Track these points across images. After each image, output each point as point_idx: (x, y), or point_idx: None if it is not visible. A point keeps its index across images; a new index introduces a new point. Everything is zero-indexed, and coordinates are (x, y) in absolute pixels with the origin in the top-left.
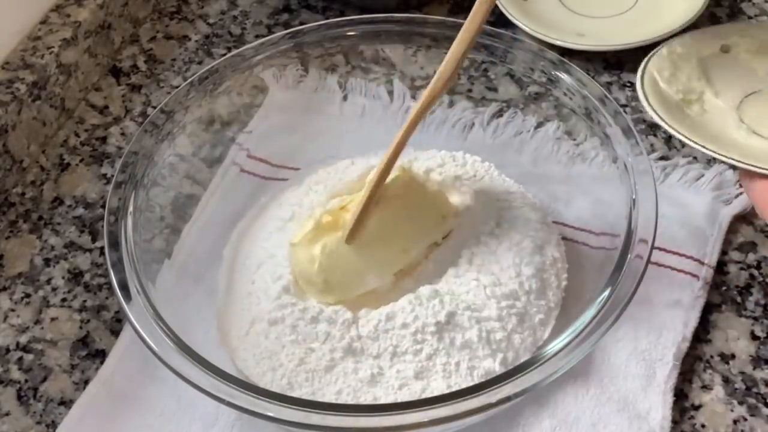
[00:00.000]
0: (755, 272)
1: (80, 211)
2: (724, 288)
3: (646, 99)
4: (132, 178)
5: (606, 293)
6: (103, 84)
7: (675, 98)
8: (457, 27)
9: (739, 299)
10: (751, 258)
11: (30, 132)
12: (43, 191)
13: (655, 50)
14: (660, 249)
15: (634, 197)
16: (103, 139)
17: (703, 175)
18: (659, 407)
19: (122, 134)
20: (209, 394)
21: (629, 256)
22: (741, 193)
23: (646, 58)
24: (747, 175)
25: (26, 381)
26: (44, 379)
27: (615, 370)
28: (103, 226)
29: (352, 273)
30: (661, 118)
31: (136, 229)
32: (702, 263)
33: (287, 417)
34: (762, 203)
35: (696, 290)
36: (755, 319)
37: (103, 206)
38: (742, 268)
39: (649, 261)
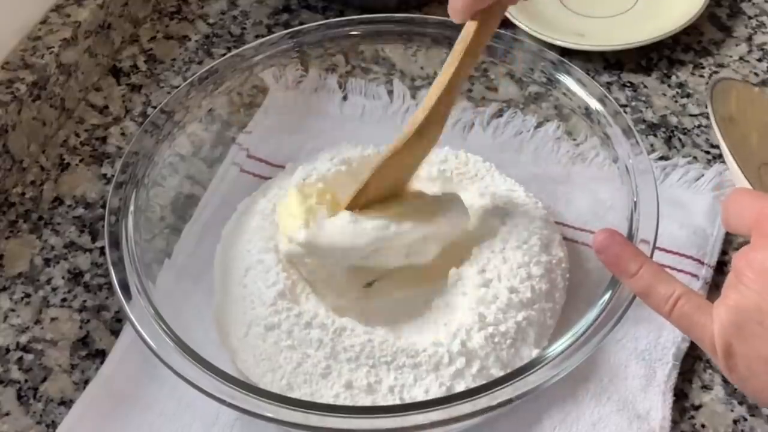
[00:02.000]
0: None
1: (80, 211)
2: None
3: None
4: (132, 178)
5: (607, 296)
6: (103, 84)
7: None
8: (457, 27)
9: None
10: None
11: (30, 132)
12: (43, 191)
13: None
14: (660, 249)
15: (635, 199)
16: (103, 139)
17: (703, 175)
18: (659, 407)
19: (122, 134)
20: (209, 395)
21: None
22: None
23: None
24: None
25: (26, 381)
26: (44, 379)
27: (615, 370)
28: (103, 226)
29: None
30: None
31: (137, 229)
32: (702, 263)
33: (286, 418)
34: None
35: (696, 290)
36: None
37: (103, 206)
38: None
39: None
